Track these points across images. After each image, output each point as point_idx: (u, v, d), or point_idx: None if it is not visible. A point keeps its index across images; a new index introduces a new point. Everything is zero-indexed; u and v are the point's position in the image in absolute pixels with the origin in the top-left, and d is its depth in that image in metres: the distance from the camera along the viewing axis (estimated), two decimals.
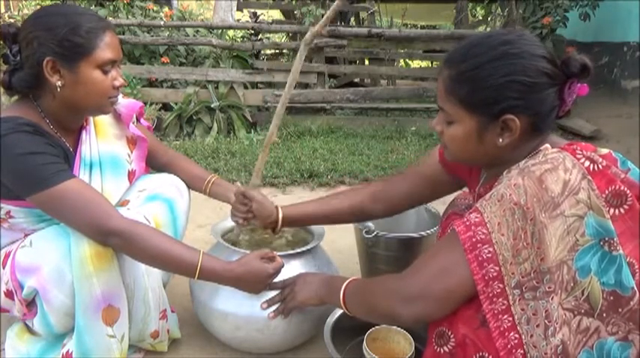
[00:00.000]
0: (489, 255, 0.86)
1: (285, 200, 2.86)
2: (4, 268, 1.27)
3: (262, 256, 1.30)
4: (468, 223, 0.90)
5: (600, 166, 0.87)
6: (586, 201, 0.83)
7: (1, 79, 1.22)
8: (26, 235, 1.30)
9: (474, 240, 0.88)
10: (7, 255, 1.27)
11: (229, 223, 1.58)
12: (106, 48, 1.22)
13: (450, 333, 0.94)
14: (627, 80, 4.75)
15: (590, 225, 0.83)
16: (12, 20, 4.70)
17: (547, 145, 0.92)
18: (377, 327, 1.31)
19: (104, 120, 1.44)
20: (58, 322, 1.27)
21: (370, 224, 1.63)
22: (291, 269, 1.38)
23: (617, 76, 4.85)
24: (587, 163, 0.87)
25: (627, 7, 4.64)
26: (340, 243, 2.15)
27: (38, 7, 4.66)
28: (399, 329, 1.31)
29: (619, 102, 4.63)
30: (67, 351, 1.29)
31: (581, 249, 0.83)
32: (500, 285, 0.86)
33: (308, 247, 1.44)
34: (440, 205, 1.84)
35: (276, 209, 1.41)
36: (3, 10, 6.02)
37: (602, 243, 0.83)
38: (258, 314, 1.33)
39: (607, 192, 0.85)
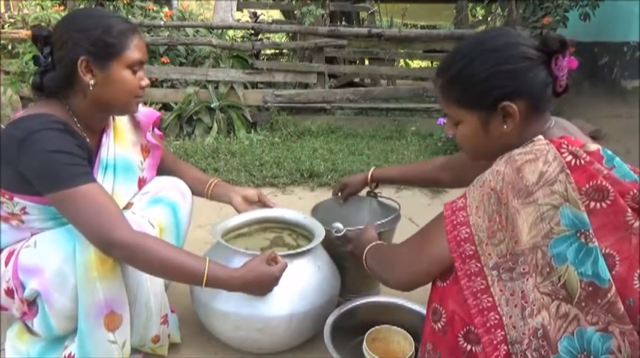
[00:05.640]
0: (466, 236, 0.96)
1: (285, 200, 2.86)
2: (6, 266, 1.27)
3: (267, 259, 1.30)
4: (454, 207, 1.00)
5: (582, 161, 0.90)
6: (562, 193, 0.87)
7: (32, 80, 1.26)
8: (33, 235, 1.30)
9: (454, 222, 0.98)
10: (10, 253, 1.28)
11: (229, 223, 1.58)
12: (135, 49, 1.27)
13: (442, 310, 1.01)
14: (627, 80, 4.74)
15: (566, 215, 0.87)
16: (12, 20, 4.69)
17: (540, 136, 0.96)
18: (377, 327, 1.32)
19: (123, 126, 1.46)
20: (59, 324, 1.27)
21: (339, 224, 1.56)
22: (292, 269, 1.38)
23: (617, 76, 4.84)
24: (569, 157, 0.90)
25: (627, 7, 4.64)
26: None
27: (38, 7, 4.67)
28: (399, 329, 1.32)
29: (619, 102, 4.63)
30: (70, 353, 1.29)
31: (557, 238, 0.87)
32: (478, 264, 0.94)
33: (308, 247, 1.44)
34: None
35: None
36: (3, 10, 6.00)
37: (578, 235, 0.86)
38: (258, 314, 1.33)
39: (587, 186, 0.88)
